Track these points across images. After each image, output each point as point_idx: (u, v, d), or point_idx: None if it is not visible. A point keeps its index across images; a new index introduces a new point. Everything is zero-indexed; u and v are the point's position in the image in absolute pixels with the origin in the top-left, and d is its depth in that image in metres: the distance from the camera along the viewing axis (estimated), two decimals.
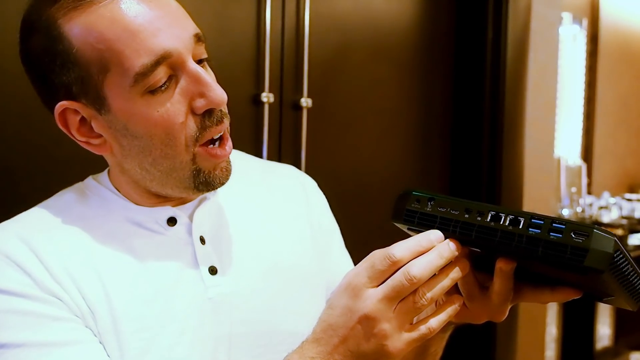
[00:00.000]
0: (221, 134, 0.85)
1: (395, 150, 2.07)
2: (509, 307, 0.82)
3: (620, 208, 3.89)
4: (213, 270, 0.88)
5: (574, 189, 3.78)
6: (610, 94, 4.46)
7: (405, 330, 0.72)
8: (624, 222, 3.70)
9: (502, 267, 0.73)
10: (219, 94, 0.82)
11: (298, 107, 1.74)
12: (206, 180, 0.85)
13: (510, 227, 0.69)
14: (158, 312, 0.84)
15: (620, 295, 0.71)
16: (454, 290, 0.79)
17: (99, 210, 0.88)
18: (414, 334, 0.72)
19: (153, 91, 0.79)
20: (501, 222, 0.70)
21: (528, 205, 2.29)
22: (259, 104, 1.66)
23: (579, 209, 3.71)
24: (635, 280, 0.70)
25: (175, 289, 0.85)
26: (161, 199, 0.88)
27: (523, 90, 2.23)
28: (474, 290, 0.80)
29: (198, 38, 0.82)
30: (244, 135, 1.65)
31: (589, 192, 4.13)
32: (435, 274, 0.73)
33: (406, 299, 0.71)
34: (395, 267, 0.71)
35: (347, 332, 0.72)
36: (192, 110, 0.81)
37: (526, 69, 2.23)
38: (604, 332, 3.66)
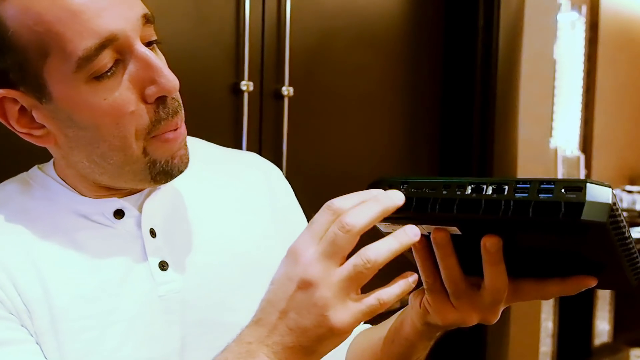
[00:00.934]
0: (178, 126, 0.79)
1: (382, 140, 2.01)
2: (502, 308, 0.76)
3: (621, 200, 3.83)
4: (164, 266, 0.82)
5: None
6: (609, 83, 4.39)
7: (350, 300, 0.64)
8: (624, 214, 3.61)
9: (488, 243, 0.66)
10: (171, 80, 0.75)
11: (279, 96, 1.68)
12: (164, 170, 0.79)
13: (495, 195, 0.63)
14: (102, 311, 0.78)
15: (616, 263, 0.65)
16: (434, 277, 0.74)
17: (43, 202, 0.82)
18: (361, 305, 0.64)
19: (99, 77, 0.73)
20: (484, 192, 0.64)
21: None
22: (238, 92, 1.59)
23: None
24: (630, 243, 0.64)
25: (121, 287, 0.80)
26: (111, 190, 0.83)
27: (516, 79, 2.17)
28: (461, 285, 0.73)
29: (147, 19, 0.76)
30: (222, 125, 1.59)
31: None
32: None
33: (347, 264, 0.64)
34: (336, 217, 0.64)
35: (286, 304, 0.64)
36: (143, 99, 0.75)
37: (520, 56, 2.18)
38: (602, 327, 3.60)
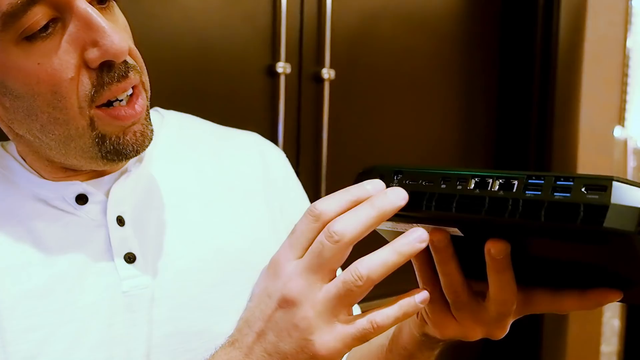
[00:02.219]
0: (128, 93, 0.69)
1: (431, 128, 1.90)
2: (511, 321, 0.65)
3: None
4: (130, 258, 0.74)
5: None
6: None
7: (339, 321, 0.55)
8: None
9: (492, 249, 0.56)
10: (116, 43, 0.65)
11: (319, 79, 1.59)
12: (115, 148, 0.69)
13: (502, 192, 0.53)
14: (55, 308, 0.70)
15: None
16: (436, 286, 0.63)
17: (0, 185, 0.75)
18: (351, 329, 0.55)
19: (30, 37, 0.64)
20: (489, 188, 0.54)
21: None
22: (274, 75, 1.52)
23: None
24: None
25: (79, 281, 0.71)
26: (71, 172, 0.75)
27: (579, 63, 2.03)
28: (462, 295, 0.63)
29: None
30: (257, 110, 1.51)
31: None
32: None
33: (336, 280, 0.54)
34: (320, 223, 0.55)
35: (264, 324, 0.56)
36: (85, 64, 0.66)
37: (583, 39, 2.03)
38: None
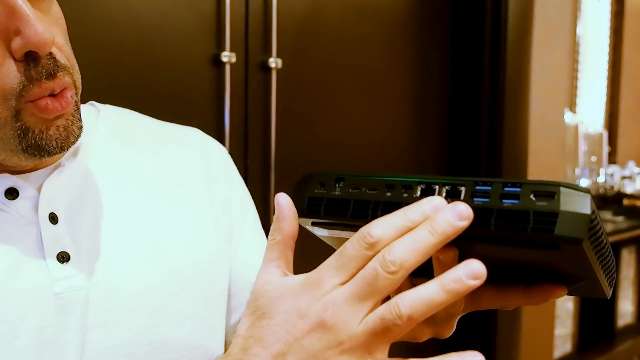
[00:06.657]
0: (56, 92, 0.64)
1: (383, 118, 1.88)
2: (457, 319, 0.63)
3: None
4: (64, 258, 0.69)
5: (594, 158, 3.58)
6: (637, 57, 4.23)
7: (372, 359, 0.49)
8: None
9: (441, 256, 0.52)
10: (39, 32, 0.60)
11: (266, 69, 1.56)
12: (36, 142, 0.64)
13: (449, 200, 0.51)
14: None
15: (592, 277, 0.54)
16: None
17: None
18: None
19: None
20: (435, 195, 0.52)
21: (534, 174, 2.11)
22: (219, 64, 1.48)
23: (599, 179, 3.52)
24: (608, 253, 0.53)
25: (8, 281, 0.67)
26: (1, 165, 0.70)
27: (528, 50, 2.04)
28: None
29: None
30: (203, 100, 1.48)
31: (613, 162, 3.93)
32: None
33: (373, 313, 0.49)
34: (374, 252, 0.49)
35: (286, 347, 0.50)
36: (12, 55, 0.61)
37: (531, 26, 2.04)
38: (626, 309, 3.48)
